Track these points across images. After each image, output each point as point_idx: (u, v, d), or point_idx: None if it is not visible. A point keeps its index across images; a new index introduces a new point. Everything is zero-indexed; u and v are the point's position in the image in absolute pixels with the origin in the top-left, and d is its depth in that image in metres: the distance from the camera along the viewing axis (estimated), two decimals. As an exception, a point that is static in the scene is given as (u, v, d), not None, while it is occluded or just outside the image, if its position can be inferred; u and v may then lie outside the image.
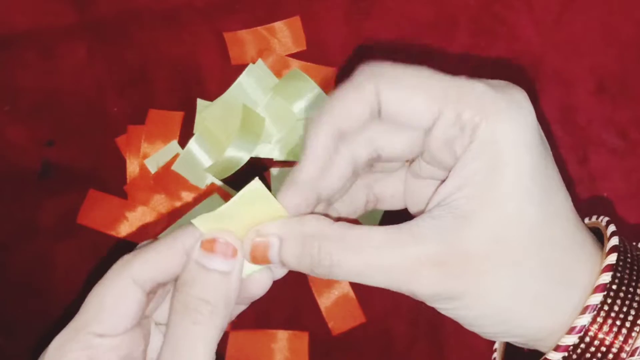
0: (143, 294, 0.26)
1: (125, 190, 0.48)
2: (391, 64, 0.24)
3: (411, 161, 0.28)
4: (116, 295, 0.26)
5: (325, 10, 0.48)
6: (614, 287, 0.24)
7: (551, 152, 0.25)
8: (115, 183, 0.48)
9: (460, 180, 0.23)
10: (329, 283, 0.47)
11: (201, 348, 0.25)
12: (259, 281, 0.27)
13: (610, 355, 0.24)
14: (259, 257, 0.25)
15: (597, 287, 0.24)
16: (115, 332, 0.26)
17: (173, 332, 0.25)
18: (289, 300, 0.46)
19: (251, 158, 0.47)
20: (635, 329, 0.24)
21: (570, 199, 0.25)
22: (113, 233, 0.47)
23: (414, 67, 0.24)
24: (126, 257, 0.26)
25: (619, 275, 0.24)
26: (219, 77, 0.48)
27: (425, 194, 0.27)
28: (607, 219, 0.27)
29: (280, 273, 0.28)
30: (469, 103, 0.23)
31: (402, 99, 0.24)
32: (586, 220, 0.29)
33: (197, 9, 0.49)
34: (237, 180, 0.47)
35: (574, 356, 0.24)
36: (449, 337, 0.46)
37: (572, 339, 0.24)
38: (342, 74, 0.48)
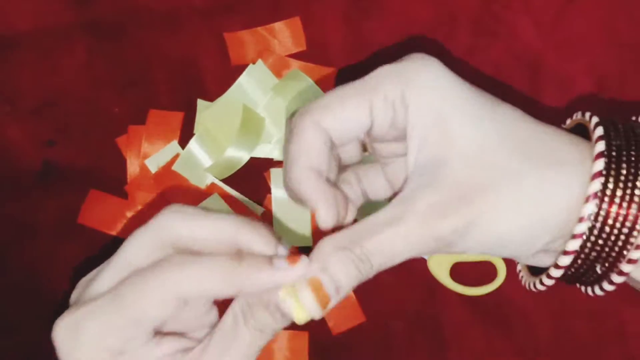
0: (183, 304, 0.26)
1: (126, 190, 0.48)
2: (316, 100, 0.27)
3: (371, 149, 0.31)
4: (157, 305, 0.26)
5: (325, 10, 0.48)
6: (612, 171, 0.25)
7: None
8: (115, 183, 0.48)
9: (417, 145, 0.26)
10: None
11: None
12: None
13: (625, 230, 0.25)
14: (322, 298, 0.26)
15: (594, 174, 0.25)
16: (149, 325, 0.26)
17: (231, 343, 0.27)
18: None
19: (251, 158, 0.47)
20: (634, 199, 0.25)
21: (518, 110, 0.27)
22: (114, 233, 0.47)
23: (336, 88, 0.27)
24: (175, 267, 0.26)
25: (613, 159, 0.25)
26: (219, 77, 0.48)
27: (403, 171, 0.30)
28: (588, 113, 0.28)
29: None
30: (385, 86, 0.26)
31: (338, 118, 0.27)
32: (567, 122, 0.31)
33: (197, 9, 0.49)
34: (237, 180, 0.47)
35: (592, 239, 0.25)
36: (449, 337, 0.46)
37: (584, 226, 0.25)
38: (342, 74, 0.48)
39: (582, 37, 0.47)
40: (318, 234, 0.47)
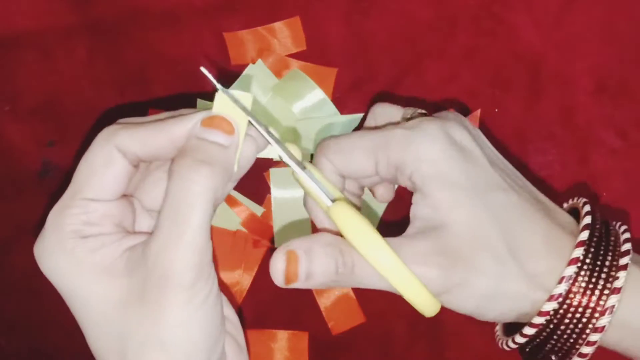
0: (128, 164, 0.28)
1: (126, 190, 0.48)
2: (333, 138, 0.32)
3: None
4: (103, 160, 0.27)
5: (325, 10, 0.48)
6: (587, 260, 0.28)
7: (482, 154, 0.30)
8: (115, 183, 0.48)
9: (424, 199, 0.29)
10: (329, 283, 0.47)
11: (200, 205, 0.26)
12: (245, 152, 0.30)
13: (587, 314, 0.28)
14: (291, 271, 0.28)
15: (572, 260, 0.28)
16: (106, 197, 0.27)
17: (173, 193, 0.26)
18: (288, 300, 0.46)
19: (251, 158, 0.47)
20: (605, 292, 0.28)
21: (527, 185, 0.31)
22: (113, 233, 0.47)
23: (352, 133, 0.31)
24: (112, 127, 0.28)
25: (592, 250, 0.28)
26: (219, 77, 0.48)
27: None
28: (584, 200, 0.32)
29: (263, 143, 0.31)
30: (392, 147, 0.30)
31: (347, 162, 0.31)
32: (569, 202, 0.33)
33: (197, 9, 0.49)
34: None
35: (555, 320, 0.28)
36: (449, 337, 0.46)
37: (552, 305, 0.28)
38: (342, 74, 0.48)
39: (582, 37, 0.47)
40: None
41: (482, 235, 0.28)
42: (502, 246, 0.28)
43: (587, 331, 0.28)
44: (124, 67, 0.49)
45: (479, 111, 0.46)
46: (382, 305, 0.47)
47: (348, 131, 0.47)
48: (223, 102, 0.28)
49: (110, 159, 0.27)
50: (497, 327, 0.35)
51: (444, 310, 0.47)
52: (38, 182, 0.48)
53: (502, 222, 0.28)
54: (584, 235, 0.29)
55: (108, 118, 0.48)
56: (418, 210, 0.29)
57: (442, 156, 0.29)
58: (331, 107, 0.47)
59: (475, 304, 0.29)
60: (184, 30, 0.49)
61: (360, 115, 0.47)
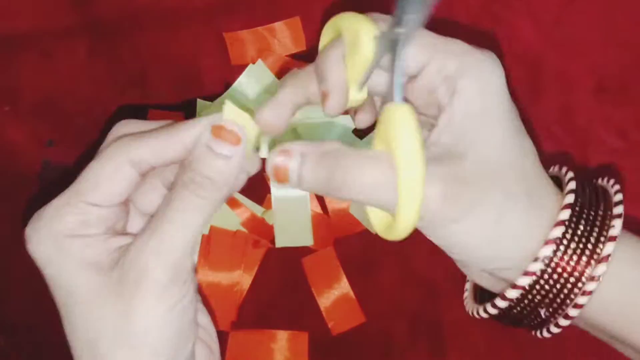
0: (137, 174, 0.28)
1: (126, 191, 0.48)
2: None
3: None
4: (113, 172, 0.28)
5: (325, 10, 0.48)
6: (572, 224, 0.28)
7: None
8: (115, 183, 0.48)
9: (451, 126, 0.27)
10: (329, 283, 0.47)
11: (197, 216, 0.27)
12: (252, 159, 0.30)
13: (572, 280, 0.27)
14: (280, 171, 0.27)
15: (558, 222, 0.28)
16: (107, 204, 0.28)
17: (173, 200, 0.27)
18: (289, 300, 0.46)
19: (251, 158, 0.47)
20: (594, 257, 0.27)
21: (534, 146, 0.29)
22: (113, 233, 0.47)
23: (428, 33, 0.29)
24: (126, 139, 0.28)
25: (576, 214, 0.28)
26: (219, 77, 0.48)
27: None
28: (565, 168, 0.31)
29: (264, 153, 0.30)
30: (453, 55, 0.28)
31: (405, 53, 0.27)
32: (549, 170, 0.32)
33: (197, 9, 0.49)
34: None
35: (541, 281, 0.28)
36: (449, 337, 0.46)
37: (537, 266, 0.27)
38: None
39: (582, 37, 0.47)
40: (318, 233, 0.47)
41: (500, 173, 0.27)
42: (516, 188, 0.27)
43: (572, 296, 0.28)
44: (124, 67, 0.49)
45: (479, 111, 0.46)
46: (382, 305, 0.47)
47: (348, 131, 0.47)
48: (232, 111, 0.29)
49: (120, 172, 0.28)
50: (466, 295, 0.34)
51: (444, 310, 0.47)
52: (38, 182, 0.48)
53: (521, 168, 0.28)
54: (570, 198, 0.28)
55: (108, 118, 0.48)
56: (440, 136, 0.27)
57: (496, 94, 0.28)
58: (331, 107, 0.47)
59: (471, 239, 0.27)
60: (184, 30, 0.49)
61: (360, 115, 0.47)
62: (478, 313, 0.31)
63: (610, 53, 0.47)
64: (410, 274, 0.47)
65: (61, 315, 0.29)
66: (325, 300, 0.46)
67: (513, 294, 0.28)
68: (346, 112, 0.31)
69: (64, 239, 0.28)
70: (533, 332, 0.30)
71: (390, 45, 0.27)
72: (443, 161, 0.26)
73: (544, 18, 0.47)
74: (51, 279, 0.28)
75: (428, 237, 0.28)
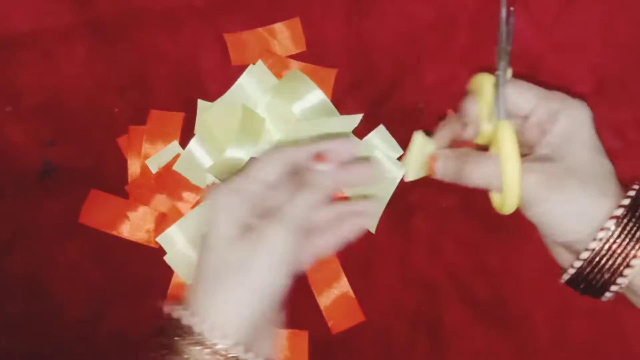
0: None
1: (127, 190, 0.48)
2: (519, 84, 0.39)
3: None
4: None
5: (325, 11, 0.48)
6: (628, 215, 0.35)
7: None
8: (116, 183, 0.48)
9: (551, 141, 0.37)
10: (329, 282, 0.47)
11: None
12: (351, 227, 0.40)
13: (620, 259, 0.35)
14: (430, 166, 0.40)
15: (619, 205, 0.35)
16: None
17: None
18: (288, 299, 0.47)
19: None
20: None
21: (612, 166, 0.37)
22: (115, 233, 0.48)
23: (533, 86, 0.39)
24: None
25: (631, 210, 0.35)
26: (220, 78, 0.48)
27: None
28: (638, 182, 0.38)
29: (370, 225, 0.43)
30: (557, 99, 0.38)
31: (519, 95, 0.38)
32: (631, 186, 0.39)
33: (197, 10, 0.49)
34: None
35: (597, 258, 0.35)
36: (449, 337, 0.46)
37: (595, 244, 0.35)
38: (342, 75, 0.48)
39: (582, 37, 0.47)
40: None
41: (580, 174, 0.36)
42: (591, 185, 0.36)
43: (621, 269, 0.35)
44: (124, 67, 0.49)
45: (478, 111, 0.46)
46: (382, 305, 0.47)
47: (347, 132, 0.47)
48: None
49: None
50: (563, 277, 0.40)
51: (444, 310, 0.47)
52: (38, 182, 0.49)
53: (596, 174, 0.36)
54: (628, 199, 0.35)
55: (109, 118, 0.49)
56: (542, 148, 0.37)
57: (585, 124, 0.37)
58: (331, 108, 0.47)
59: (554, 215, 0.35)
60: (184, 31, 0.49)
61: (360, 115, 0.47)
62: (562, 278, 0.38)
63: (609, 53, 0.47)
64: (410, 274, 0.47)
65: (201, 249, 0.35)
66: (324, 299, 0.47)
67: (577, 263, 0.35)
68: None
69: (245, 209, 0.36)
70: (597, 298, 0.37)
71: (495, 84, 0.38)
72: (541, 161, 0.36)
73: (543, 18, 0.47)
74: (223, 216, 0.35)
75: (525, 215, 0.36)
